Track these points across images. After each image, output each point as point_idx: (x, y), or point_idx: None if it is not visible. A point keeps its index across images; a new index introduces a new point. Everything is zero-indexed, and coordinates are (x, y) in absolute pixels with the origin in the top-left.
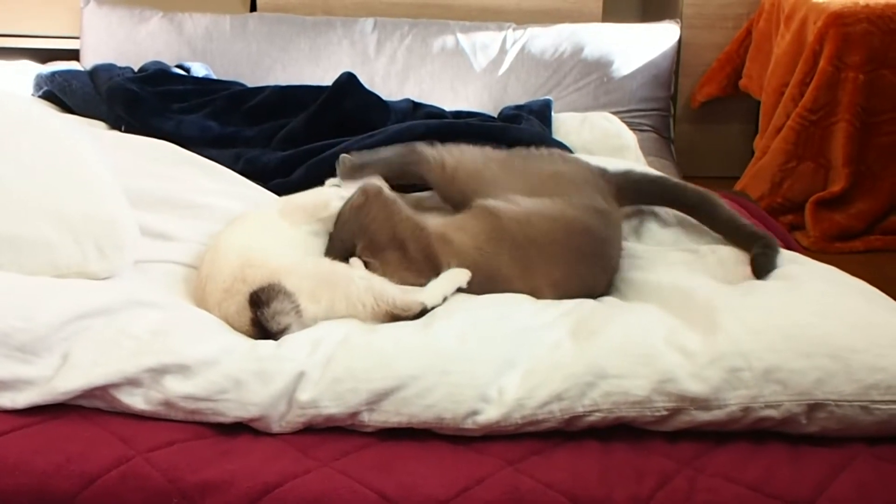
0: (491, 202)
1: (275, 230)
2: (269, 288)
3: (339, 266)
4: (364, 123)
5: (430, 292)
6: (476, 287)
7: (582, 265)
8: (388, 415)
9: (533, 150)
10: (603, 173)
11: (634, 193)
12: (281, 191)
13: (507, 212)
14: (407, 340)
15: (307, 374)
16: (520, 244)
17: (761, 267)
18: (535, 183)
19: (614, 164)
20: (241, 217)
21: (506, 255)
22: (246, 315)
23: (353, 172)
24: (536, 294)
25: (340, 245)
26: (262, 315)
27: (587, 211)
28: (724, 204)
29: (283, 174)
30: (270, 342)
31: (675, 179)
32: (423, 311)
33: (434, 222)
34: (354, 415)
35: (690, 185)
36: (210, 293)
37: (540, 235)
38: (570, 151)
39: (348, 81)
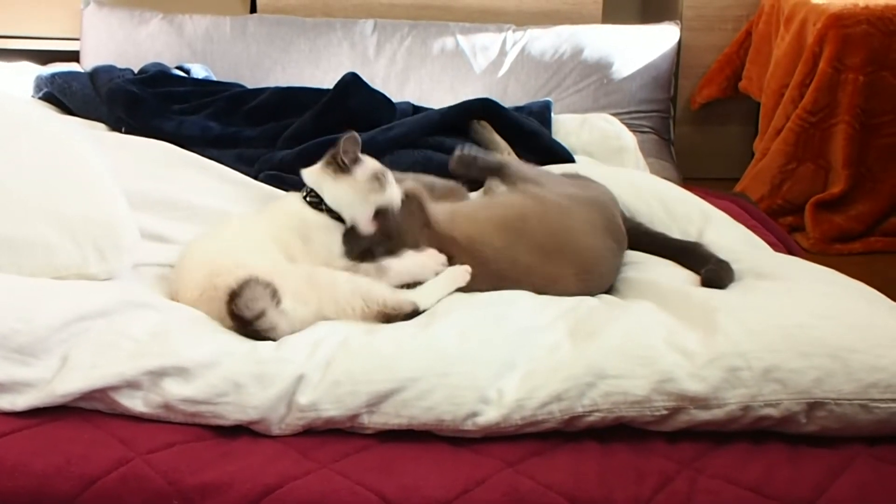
0: (533, 188)
1: (248, 237)
2: (243, 282)
3: (319, 269)
4: (370, 121)
5: (424, 293)
6: (485, 276)
7: (604, 265)
8: (388, 417)
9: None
10: (624, 216)
11: (636, 242)
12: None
13: (548, 197)
14: (406, 342)
15: (306, 377)
16: (551, 230)
17: (710, 280)
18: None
19: (630, 206)
20: (218, 226)
21: (526, 241)
22: (227, 322)
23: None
24: (558, 281)
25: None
26: (237, 307)
27: (615, 228)
28: (711, 253)
29: (302, 167)
30: (269, 343)
31: (674, 238)
32: (416, 311)
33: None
34: (354, 417)
35: (681, 240)
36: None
37: (577, 224)
38: (571, 156)
39: (353, 80)
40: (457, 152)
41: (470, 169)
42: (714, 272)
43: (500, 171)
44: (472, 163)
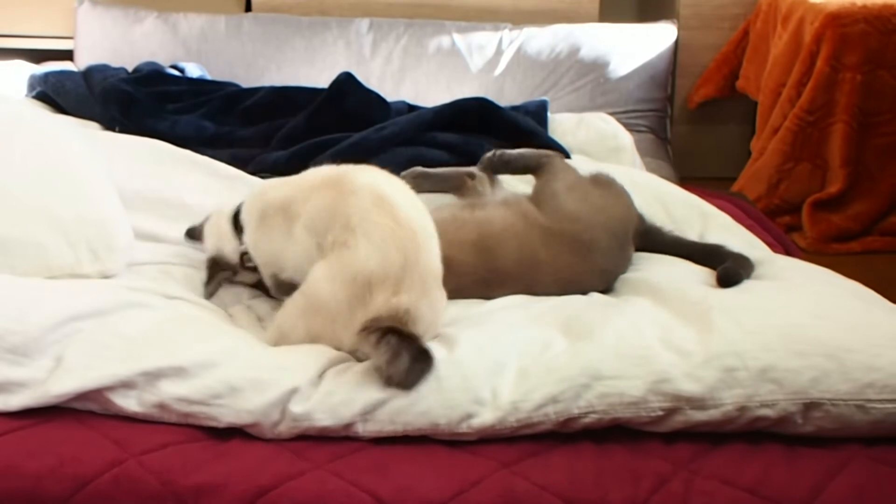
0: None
1: None
2: None
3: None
4: (365, 121)
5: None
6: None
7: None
8: (383, 424)
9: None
10: (640, 217)
11: (651, 246)
12: None
13: (539, 220)
14: None
15: (301, 387)
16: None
17: (725, 277)
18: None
19: (647, 213)
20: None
21: (502, 257)
22: None
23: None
24: (539, 286)
25: None
26: None
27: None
28: (733, 253)
29: (296, 169)
30: (268, 350)
31: (692, 241)
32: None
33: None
34: (348, 426)
35: (700, 243)
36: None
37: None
38: (567, 154)
39: (347, 80)
40: (487, 155)
41: (504, 169)
42: (731, 269)
43: (537, 169)
44: (507, 164)
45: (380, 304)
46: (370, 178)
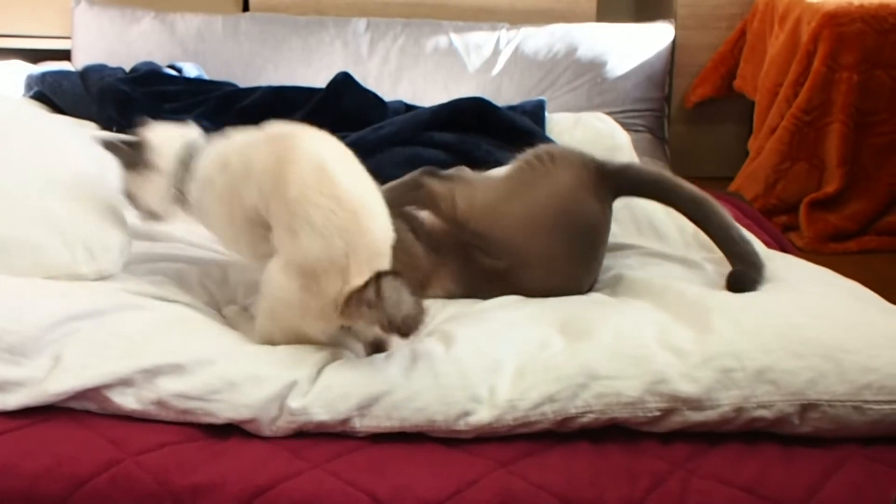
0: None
1: None
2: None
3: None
4: (362, 121)
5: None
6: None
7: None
8: (380, 420)
9: (531, 160)
10: (600, 168)
11: (631, 188)
12: None
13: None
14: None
15: (299, 382)
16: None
17: (736, 282)
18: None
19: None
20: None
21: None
22: None
23: None
24: (525, 283)
25: None
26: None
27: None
28: (723, 211)
29: None
30: (265, 347)
31: (675, 180)
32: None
33: None
34: (345, 421)
35: (689, 186)
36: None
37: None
38: None
39: (344, 80)
40: None
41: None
42: (744, 273)
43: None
44: None
45: (334, 294)
46: (313, 146)
